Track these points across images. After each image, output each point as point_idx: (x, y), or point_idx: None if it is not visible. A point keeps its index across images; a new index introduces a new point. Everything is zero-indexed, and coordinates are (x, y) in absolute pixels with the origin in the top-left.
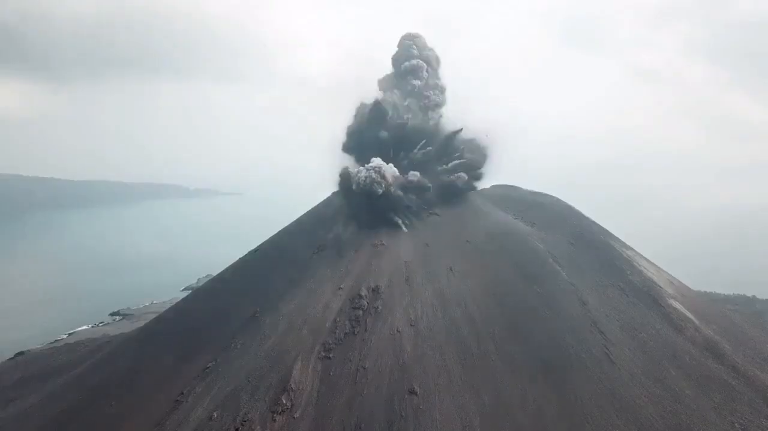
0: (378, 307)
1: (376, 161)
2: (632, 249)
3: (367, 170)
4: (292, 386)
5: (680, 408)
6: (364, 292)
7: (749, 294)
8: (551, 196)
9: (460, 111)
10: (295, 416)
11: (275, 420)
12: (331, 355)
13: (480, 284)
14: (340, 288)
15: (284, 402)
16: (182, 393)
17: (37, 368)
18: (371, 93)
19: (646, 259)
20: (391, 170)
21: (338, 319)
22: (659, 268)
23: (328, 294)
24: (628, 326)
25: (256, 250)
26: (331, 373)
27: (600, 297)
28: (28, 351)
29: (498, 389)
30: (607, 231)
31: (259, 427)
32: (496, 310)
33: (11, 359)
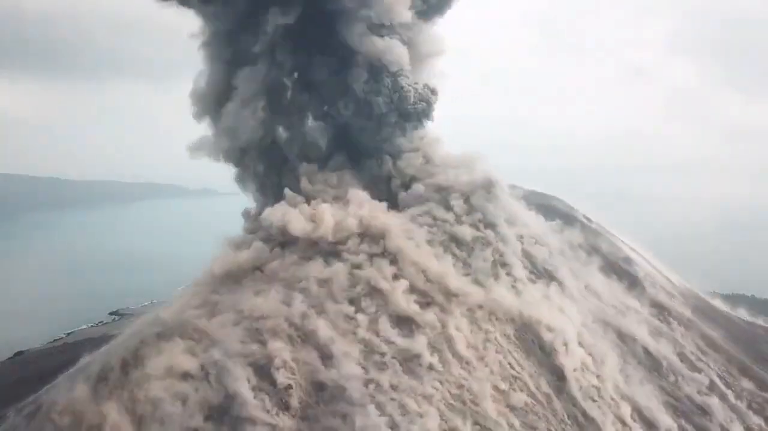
0: None
1: None
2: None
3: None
4: None
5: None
6: None
7: (748, 294)
8: (556, 197)
9: None
10: None
11: None
12: None
13: None
14: None
15: None
16: None
17: (36, 368)
18: None
19: (646, 259)
20: None
21: None
22: (658, 268)
23: None
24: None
25: None
26: None
27: None
28: (27, 350)
29: None
30: (606, 230)
31: None
32: None
33: (10, 359)
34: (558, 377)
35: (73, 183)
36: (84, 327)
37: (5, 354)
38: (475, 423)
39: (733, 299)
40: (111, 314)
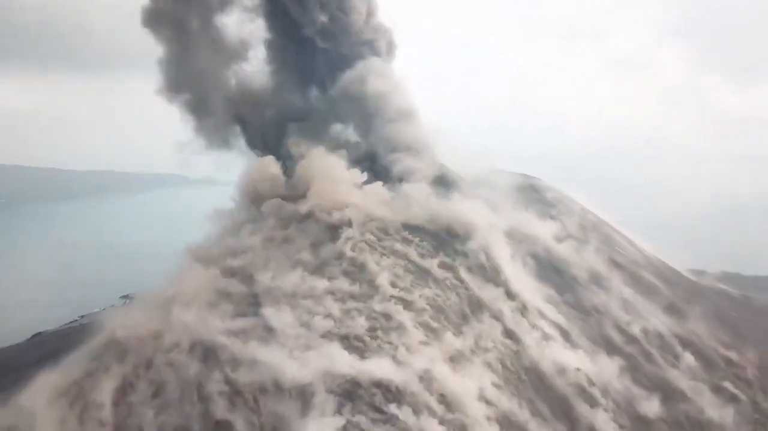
0: None
1: None
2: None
3: None
4: None
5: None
6: None
7: (743, 273)
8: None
9: None
10: None
11: None
12: None
13: None
14: None
15: None
16: None
17: (53, 347)
18: None
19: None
20: None
21: None
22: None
23: None
24: None
25: None
26: None
27: None
28: (45, 332)
29: None
30: (602, 220)
31: None
32: None
33: (29, 339)
34: (463, 256)
35: (75, 174)
36: (95, 310)
37: (25, 335)
38: (369, 316)
39: (724, 277)
40: (122, 297)
